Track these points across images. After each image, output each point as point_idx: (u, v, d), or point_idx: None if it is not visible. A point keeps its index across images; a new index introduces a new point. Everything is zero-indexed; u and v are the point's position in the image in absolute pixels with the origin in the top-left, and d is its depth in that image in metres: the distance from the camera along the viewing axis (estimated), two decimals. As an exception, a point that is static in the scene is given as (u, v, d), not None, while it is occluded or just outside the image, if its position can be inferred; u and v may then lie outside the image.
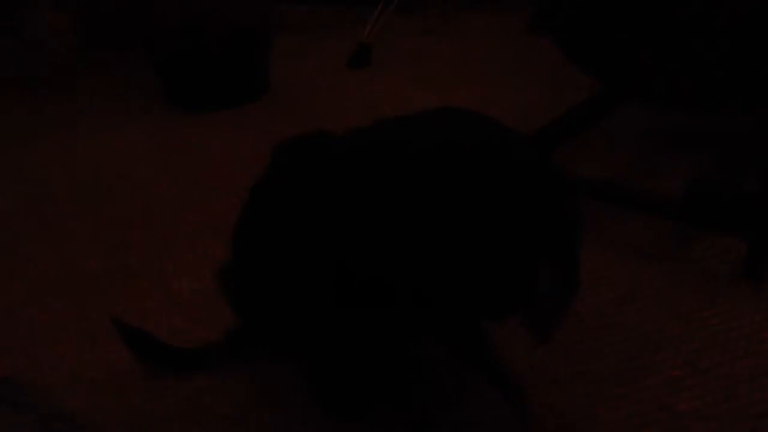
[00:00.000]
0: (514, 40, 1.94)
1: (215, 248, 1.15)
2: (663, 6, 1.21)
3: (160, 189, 1.51)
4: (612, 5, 1.30)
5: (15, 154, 1.69)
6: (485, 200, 0.67)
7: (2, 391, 0.86)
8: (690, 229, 1.23)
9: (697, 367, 0.95)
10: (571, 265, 0.73)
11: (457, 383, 0.92)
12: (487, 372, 0.86)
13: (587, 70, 1.42)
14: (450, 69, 1.91)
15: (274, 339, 0.89)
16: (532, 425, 0.86)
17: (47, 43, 2.11)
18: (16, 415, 0.81)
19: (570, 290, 0.74)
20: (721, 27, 1.16)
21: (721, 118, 1.57)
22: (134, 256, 1.28)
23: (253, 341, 0.98)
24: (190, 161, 1.62)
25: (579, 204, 0.74)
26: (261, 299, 0.87)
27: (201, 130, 1.75)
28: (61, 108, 1.88)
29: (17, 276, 1.25)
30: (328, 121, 1.18)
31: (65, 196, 1.53)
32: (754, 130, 1.49)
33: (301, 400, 0.91)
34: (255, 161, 0.84)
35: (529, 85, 1.77)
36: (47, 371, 1.01)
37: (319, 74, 1.97)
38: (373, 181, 0.70)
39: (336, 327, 0.79)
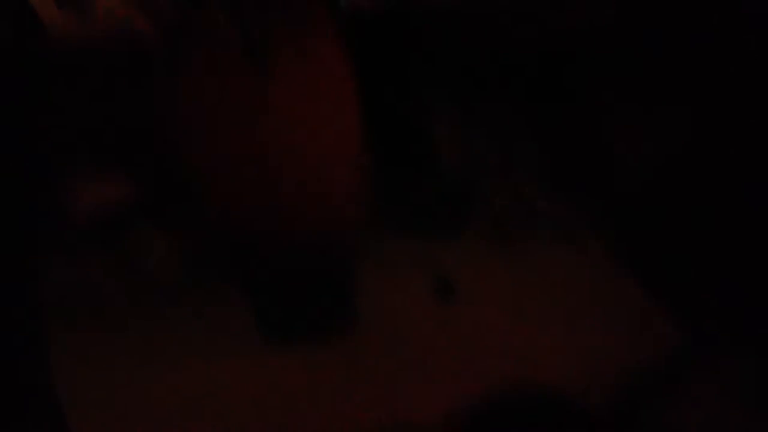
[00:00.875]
0: (597, 269, 1.97)
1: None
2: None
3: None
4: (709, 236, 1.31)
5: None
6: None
7: None
8: None
9: None
10: None
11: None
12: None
13: (671, 310, 1.41)
14: (532, 303, 1.95)
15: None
16: None
17: (153, 271, 2.28)
18: None
19: None
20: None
21: None
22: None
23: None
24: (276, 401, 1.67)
25: None
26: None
27: (288, 364, 1.80)
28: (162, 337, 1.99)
29: None
30: (418, 358, 1.20)
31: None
32: None
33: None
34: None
35: (609, 326, 1.78)
36: None
37: (405, 308, 2.03)
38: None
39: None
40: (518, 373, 1.54)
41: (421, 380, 1.62)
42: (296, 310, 1.85)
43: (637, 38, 1.63)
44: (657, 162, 1.61)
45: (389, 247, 2.57)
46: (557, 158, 1.87)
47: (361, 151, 1.61)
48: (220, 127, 1.43)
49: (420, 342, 1.82)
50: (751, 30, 1.51)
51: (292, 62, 1.38)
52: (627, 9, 1.57)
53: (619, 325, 1.75)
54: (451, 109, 2.38)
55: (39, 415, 1.59)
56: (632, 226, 1.70)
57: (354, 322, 1.95)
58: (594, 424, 0.77)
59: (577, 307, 1.88)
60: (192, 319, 2.16)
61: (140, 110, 1.80)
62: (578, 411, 0.78)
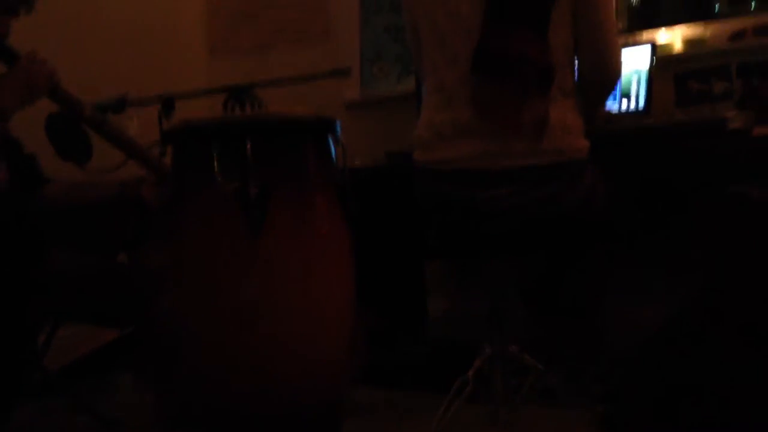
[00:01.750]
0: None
1: None
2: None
3: None
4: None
5: None
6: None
7: None
8: None
9: None
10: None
11: None
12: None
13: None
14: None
15: None
16: None
17: (124, 423, 2.18)
18: None
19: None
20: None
21: None
22: None
23: None
24: None
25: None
26: None
27: None
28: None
29: None
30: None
31: None
32: None
33: None
34: None
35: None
36: None
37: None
38: None
39: None
40: None
41: None
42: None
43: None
44: (649, 331, 1.61)
45: (375, 398, 2.50)
46: (549, 322, 1.86)
47: (355, 308, 1.58)
48: (210, 281, 1.41)
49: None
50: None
51: (288, 219, 1.39)
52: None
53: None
54: (442, 273, 2.41)
55: None
56: (621, 396, 1.67)
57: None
58: None
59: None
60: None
61: (131, 265, 1.80)
62: None
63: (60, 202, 1.80)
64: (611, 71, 1.58)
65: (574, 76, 1.58)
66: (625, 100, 2.12)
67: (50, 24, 2.13)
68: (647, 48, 2.14)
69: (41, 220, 1.76)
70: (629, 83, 2.14)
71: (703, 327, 1.44)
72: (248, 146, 1.30)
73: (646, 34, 2.28)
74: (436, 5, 1.56)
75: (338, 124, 1.47)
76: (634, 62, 2.14)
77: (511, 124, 1.48)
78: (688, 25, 2.32)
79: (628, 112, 2.12)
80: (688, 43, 2.27)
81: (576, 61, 1.58)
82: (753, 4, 2.37)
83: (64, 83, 1.66)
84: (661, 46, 2.30)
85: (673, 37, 2.31)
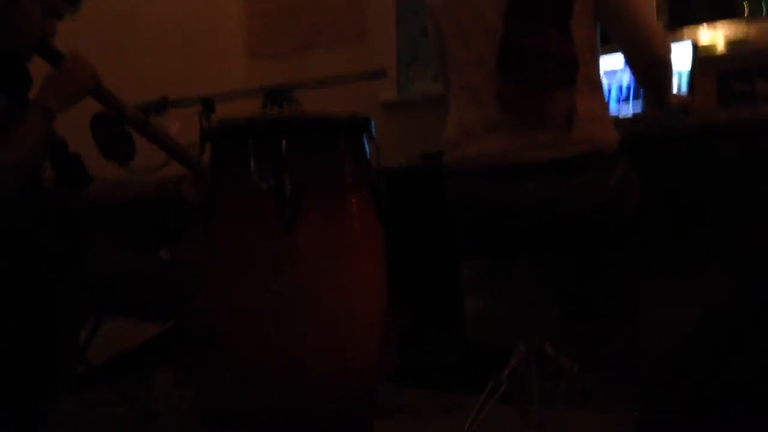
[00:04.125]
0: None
1: None
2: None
3: None
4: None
5: None
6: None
7: None
8: None
9: None
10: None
11: None
12: None
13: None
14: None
15: None
16: None
17: (164, 416, 2.22)
18: None
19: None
20: None
21: None
22: None
23: None
24: None
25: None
26: None
27: None
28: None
29: None
30: None
31: None
32: None
33: None
34: None
35: None
36: None
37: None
38: None
39: None
40: None
41: None
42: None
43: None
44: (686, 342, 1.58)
45: (408, 397, 2.50)
46: (584, 323, 1.84)
47: (388, 307, 1.59)
48: (245, 277, 1.43)
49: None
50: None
51: (321, 217, 1.41)
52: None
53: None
54: (478, 264, 2.40)
55: None
56: (657, 401, 1.64)
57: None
58: None
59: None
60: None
61: (171, 261, 1.84)
62: None
63: (103, 200, 1.85)
64: (652, 49, 1.54)
65: (599, 70, 1.58)
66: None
67: (93, 26, 2.19)
68: (688, 46, 2.10)
69: (85, 217, 1.81)
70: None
71: (741, 330, 1.42)
72: (283, 144, 1.32)
73: (687, 32, 2.24)
74: (461, 8, 1.59)
75: (372, 123, 1.48)
76: (675, 61, 2.11)
77: (537, 118, 1.50)
78: (730, 22, 2.27)
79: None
80: (731, 41, 2.22)
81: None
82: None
83: (107, 85, 1.70)
84: (703, 45, 2.26)
85: (715, 35, 2.27)
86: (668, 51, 1.57)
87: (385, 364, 1.85)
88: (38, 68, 1.66)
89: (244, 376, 1.59)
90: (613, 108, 2.17)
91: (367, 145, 1.50)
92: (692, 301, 2.00)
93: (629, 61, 1.60)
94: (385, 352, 1.78)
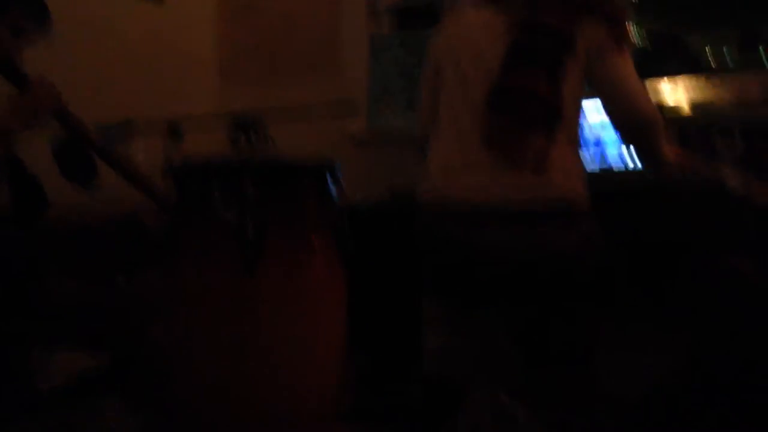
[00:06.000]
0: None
1: None
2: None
3: None
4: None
5: None
6: None
7: None
8: None
9: None
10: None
11: None
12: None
13: None
14: None
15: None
16: None
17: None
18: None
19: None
20: None
21: None
22: None
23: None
24: None
25: None
26: None
27: None
28: None
29: None
30: None
31: None
32: None
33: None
34: None
35: None
36: None
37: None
38: None
39: None
40: None
41: None
42: None
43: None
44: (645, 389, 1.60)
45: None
46: (542, 371, 1.85)
47: (346, 348, 1.59)
48: (203, 316, 1.42)
49: None
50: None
51: (283, 259, 1.40)
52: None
53: None
54: (438, 309, 2.40)
55: None
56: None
57: None
58: None
59: None
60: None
61: (128, 292, 1.81)
62: None
63: (61, 225, 1.81)
64: (638, 109, 1.58)
65: (578, 127, 1.62)
66: (625, 154, 2.13)
67: (63, 46, 2.15)
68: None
69: (41, 243, 1.77)
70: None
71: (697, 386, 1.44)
72: (247, 186, 1.32)
73: (651, 88, 2.29)
74: (463, 48, 1.66)
75: (338, 165, 1.48)
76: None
77: (514, 156, 1.53)
78: (693, 81, 2.33)
79: (626, 168, 2.13)
80: (693, 98, 2.28)
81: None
82: (764, 59, 2.37)
83: (75, 104, 1.68)
84: (665, 99, 2.31)
85: (677, 91, 2.32)
86: (655, 111, 1.61)
87: (342, 405, 1.83)
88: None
89: (196, 414, 1.57)
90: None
91: (332, 187, 1.50)
92: (648, 351, 2.03)
93: (616, 124, 1.64)
94: (342, 393, 1.78)
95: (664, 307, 1.82)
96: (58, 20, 1.70)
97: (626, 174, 2.13)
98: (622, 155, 2.20)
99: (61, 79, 1.66)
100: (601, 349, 1.93)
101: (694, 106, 2.29)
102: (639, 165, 2.13)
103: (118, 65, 2.81)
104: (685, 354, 1.81)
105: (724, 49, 2.48)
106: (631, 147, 1.89)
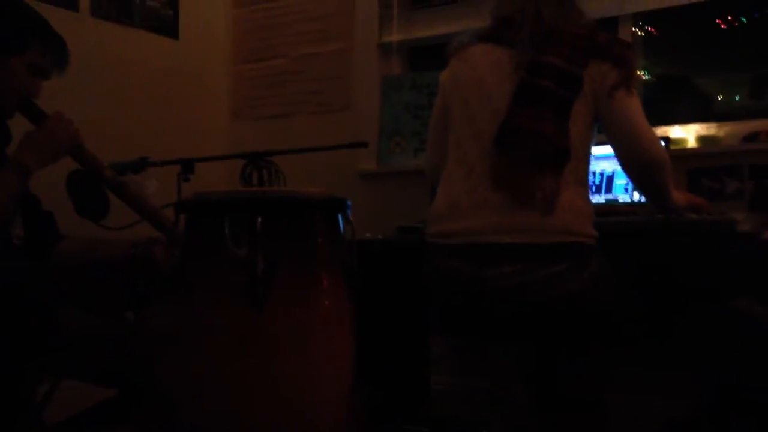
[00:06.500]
0: None
1: None
2: None
3: None
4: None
5: None
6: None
7: None
8: None
9: None
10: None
11: None
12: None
13: None
14: None
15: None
16: None
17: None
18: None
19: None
20: None
21: None
22: None
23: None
24: None
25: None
26: None
27: None
28: None
29: None
30: None
31: None
32: None
33: None
34: None
35: None
36: None
37: None
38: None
39: None
40: None
41: None
42: None
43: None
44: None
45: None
46: (552, 414, 1.82)
47: (354, 385, 1.58)
48: (210, 352, 1.41)
49: None
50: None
51: (292, 296, 1.40)
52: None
53: None
54: (445, 347, 2.38)
55: None
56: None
57: None
58: None
59: None
60: None
61: (138, 325, 1.81)
62: None
63: (72, 260, 1.82)
64: (647, 151, 1.58)
65: (587, 168, 1.63)
66: (636, 193, 2.13)
67: (77, 85, 2.19)
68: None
69: (52, 277, 1.78)
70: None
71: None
72: (258, 222, 1.32)
73: (660, 130, 2.31)
74: (472, 88, 1.68)
75: (348, 203, 1.49)
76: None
77: (523, 196, 1.55)
78: (702, 124, 2.35)
79: (637, 205, 2.13)
80: (702, 140, 2.29)
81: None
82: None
83: (90, 142, 1.71)
84: (675, 141, 2.32)
85: (687, 133, 2.34)
86: (663, 153, 1.61)
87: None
88: (18, 124, 1.66)
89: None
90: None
91: (342, 224, 1.51)
92: (659, 393, 2.01)
93: (625, 165, 1.64)
94: (349, 428, 1.76)
95: (675, 350, 1.80)
96: (75, 56, 1.73)
97: (635, 214, 2.13)
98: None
99: (75, 117, 1.69)
100: (611, 392, 1.91)
101: (704, 148, 2.30)
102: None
103: (133, 103, 2.86)
104: (696, 398, 1.79)
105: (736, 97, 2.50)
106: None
